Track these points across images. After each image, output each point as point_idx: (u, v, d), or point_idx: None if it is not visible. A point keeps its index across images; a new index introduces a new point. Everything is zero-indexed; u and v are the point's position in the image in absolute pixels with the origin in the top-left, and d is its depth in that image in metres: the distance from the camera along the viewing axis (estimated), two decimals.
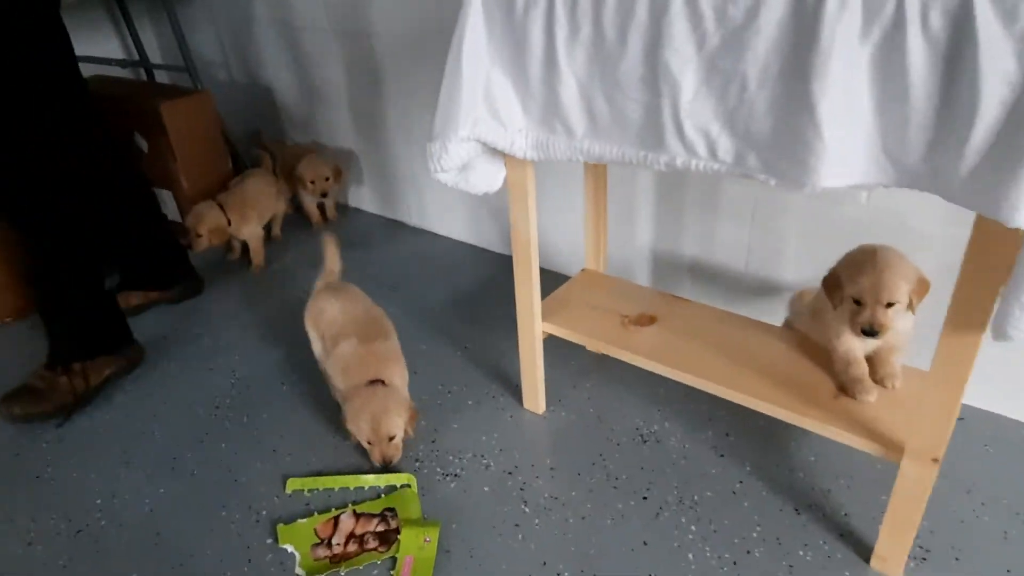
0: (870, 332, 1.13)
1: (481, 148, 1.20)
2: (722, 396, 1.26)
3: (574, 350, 1.77)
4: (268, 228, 2.41)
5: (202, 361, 1.85)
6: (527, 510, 1.35)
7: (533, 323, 1.44)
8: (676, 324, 1.41)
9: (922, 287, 1.12)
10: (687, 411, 1.55)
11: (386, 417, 1.38)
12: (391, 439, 1.40)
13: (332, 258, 1.73)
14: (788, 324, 1.46)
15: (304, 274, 2.23)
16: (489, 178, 1.27)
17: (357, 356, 1.48)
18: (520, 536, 1.30)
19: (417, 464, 1.48)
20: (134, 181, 1.93)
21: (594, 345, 1.40)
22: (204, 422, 1.64)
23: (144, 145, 2.43)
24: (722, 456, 1.43)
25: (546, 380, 1.62)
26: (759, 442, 1.46)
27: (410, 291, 2.10)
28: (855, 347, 1.21)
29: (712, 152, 0.97)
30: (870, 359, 1.22)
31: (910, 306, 1.12)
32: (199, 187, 2.42)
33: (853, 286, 1.14)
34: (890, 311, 1.12)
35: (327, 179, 2.37)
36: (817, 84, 0.82)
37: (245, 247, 2.31)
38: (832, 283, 1.19)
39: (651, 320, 1.43)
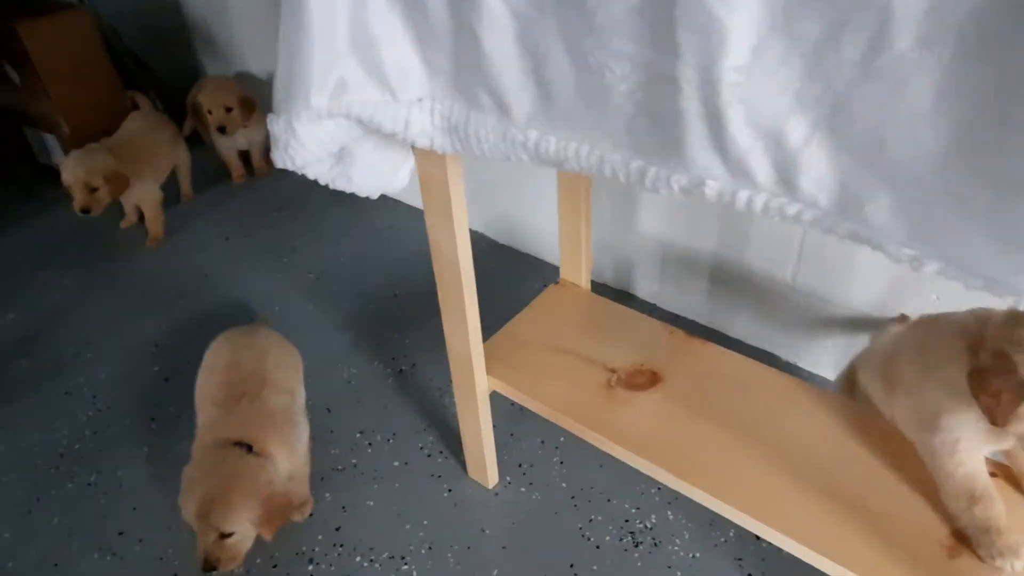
0: None
1: (360, 127, 0.69)
2: (756, 532, 0.79)
3: None
4: (175, 185, 1.90)
5: (54, 381, 1.39)
6: None
7: (473, 378, 0.96)
8: (688, 388, 0.93)
9: None
10: None
11: (221, 504, 0.91)
12: (223, 536, 0.93)
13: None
14: (849, 380, 0.98)
15: (219, 248, 1.74)
16: (383, 174, 0.77)
17: (219, 416, 1.02)
18: None
19: (311, 568, 1.03)
20: None
21: (562, 421, 0.91)
22: (39, 480, 1.19)
23: (16, 78, 1.89)
24: None
25: (501, 434, 1.15)
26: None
27: (343, 282, 1.60)
28: (982, 469, 0.73)
29: (786, 179, 0.46)
30: (1006, 477, 0.74)
31: None
32: (87, 129, 1.89)
33: (1008, 331, 0.65)
34: None
35: (229, 109, 1.82)
36: None
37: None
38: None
39: (652, 380, 0.94)
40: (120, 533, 1.10)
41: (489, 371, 0.97)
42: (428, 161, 0.75)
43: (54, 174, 2.04)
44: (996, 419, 0.64)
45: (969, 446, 0.72)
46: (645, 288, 1.43)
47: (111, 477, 1.19)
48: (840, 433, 0.85)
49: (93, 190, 1.61)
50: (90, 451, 1.24)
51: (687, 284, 1.34)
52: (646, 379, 0.94)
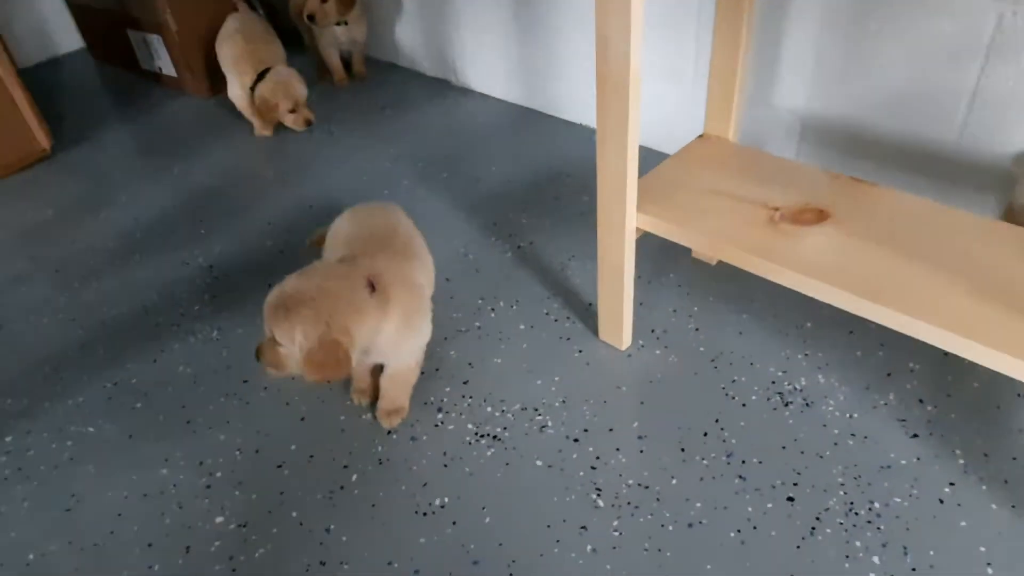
0: None
1: None
2: (954, 351, 0.72)
3: (675, 253, 1.24)
4: None
5: (170, 254, 1.40)
6: (601, 503, 0.87)
7: (622, 214, 0.91)
8: (861, 224, 0.86)
9: None
10: (852, 358, 1.02)
11: (284, 309, 0.83)
12: (274, 340, 0.85)
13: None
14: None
15: (323, 141, 1.73)
16: None
17: (354, 250, 0.96)
18: (588, 549, 0.82)
19: (440, 416, 1.00)
20: None
21: (722, 253, 0.86)
22: (162, 335, 1.20)
23: None
24: (915, 437, 0.91)
25: (634, 299, 1.10)
26: (974, 413, 0.92)
27: (452, 170, 1.57)
28: None
29: None
30: None
31: None
32: (192, 26, 1.90)
33: None
34: None
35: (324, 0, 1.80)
36: None
37: None
38: None
39: (820, 217, 0.88)
40: (245, 381, 1.10)
41: (639, 207, 0.92)
42: None
43: (156, 78, 2.07)
44: None
45: None
46: None
47: (232, 334, 1.19)
48: None
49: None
50: (210, 313, 1.24)
51: (826, 160, 1.26)
52: (813, 216, 0.88)
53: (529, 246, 1.30)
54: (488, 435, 0.97)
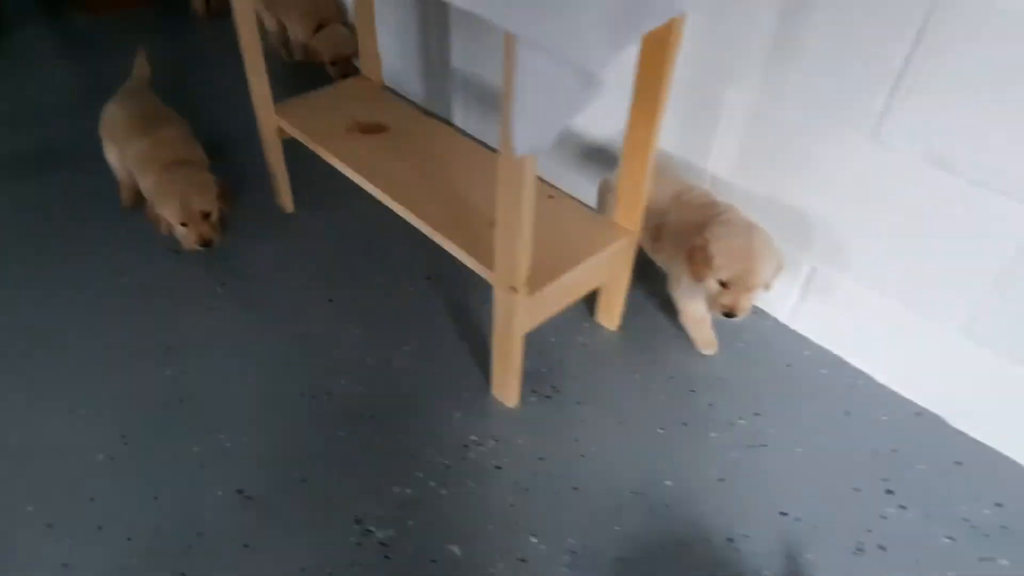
0: None
1: None
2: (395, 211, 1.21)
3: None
4: None
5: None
6: None
7: (269, 116, 1.41)
8: (406, 140, 1.35)
9: None
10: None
11: (195, 193, 1.33)
12: (205, 216, 1.35)
13: (140, 66, 1.63)
14: (603, 197, 1.32)
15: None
16: None
17: (150, 144, 1.42)
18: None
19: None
20: None
21: (312, 146, 1.35)
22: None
23: None
24: None
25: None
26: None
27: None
28: None
29: None
30: None
31: None
32: None
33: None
34: None
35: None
36: None
37: None
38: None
39: (379, 129, 1.37)
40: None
41: (281, 114, 1.41)
42: None
43: None
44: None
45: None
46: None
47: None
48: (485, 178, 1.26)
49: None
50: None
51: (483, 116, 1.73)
52: (375, 128, 1.37)
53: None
54: None
